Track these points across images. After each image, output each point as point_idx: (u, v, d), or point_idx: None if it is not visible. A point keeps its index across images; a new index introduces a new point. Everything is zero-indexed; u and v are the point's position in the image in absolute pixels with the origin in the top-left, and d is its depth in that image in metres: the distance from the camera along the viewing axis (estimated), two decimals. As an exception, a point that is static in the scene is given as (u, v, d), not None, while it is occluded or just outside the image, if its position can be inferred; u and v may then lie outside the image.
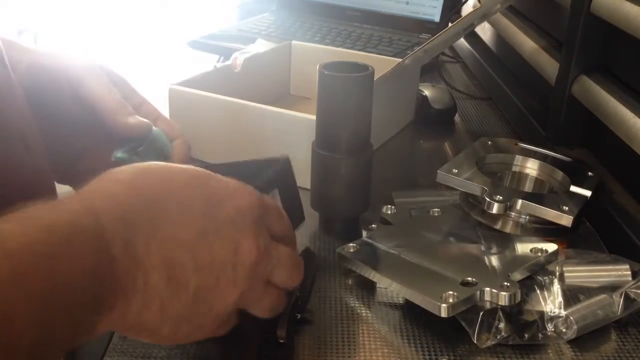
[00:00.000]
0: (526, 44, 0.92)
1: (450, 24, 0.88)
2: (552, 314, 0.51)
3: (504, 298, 0.49)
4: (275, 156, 0.57)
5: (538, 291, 0.53)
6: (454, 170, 0.64)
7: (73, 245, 0.32)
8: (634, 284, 0.52)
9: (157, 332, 0.38)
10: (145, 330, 0.38)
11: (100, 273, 0.33)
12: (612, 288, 0.53)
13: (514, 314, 0.50)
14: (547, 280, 0.53)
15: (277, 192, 0.56)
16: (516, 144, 0.73)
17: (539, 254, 0.55)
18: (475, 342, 0.49)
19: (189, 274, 0.37)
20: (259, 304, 0.43)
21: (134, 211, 0.36)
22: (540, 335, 0.50)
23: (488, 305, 0.50)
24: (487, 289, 0.50)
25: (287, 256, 0.43)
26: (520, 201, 0.59)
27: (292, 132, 0.71)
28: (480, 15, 0.88)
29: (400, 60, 0.83)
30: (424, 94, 0.94)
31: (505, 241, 0.58)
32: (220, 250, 0.38)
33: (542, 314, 0.51)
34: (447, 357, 0.49)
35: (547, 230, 0.60)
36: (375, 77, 0.61)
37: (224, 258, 0.38)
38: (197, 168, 0.41)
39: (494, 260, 0.56)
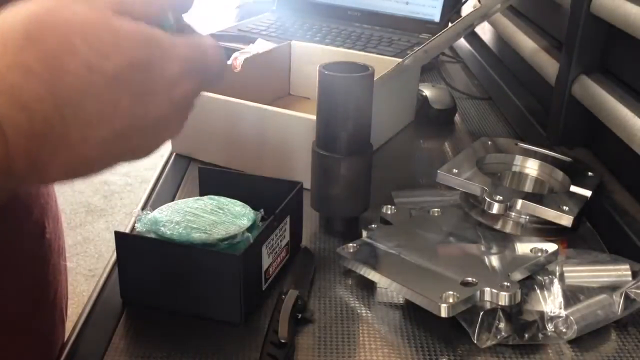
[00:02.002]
0: (526, 44, 0.92)
1: (450, 24, 0.88)
2: (552, 314, 0.51)
3: (504, 298, 0.49)
4: (291, 179, 0.59)
5: (538, 291, 0.53)
6: (454, 170, 0.64)
7: None
8: (634, 284, 0.52)
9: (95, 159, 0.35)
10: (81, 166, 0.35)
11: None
12: (612, 288, 0.53)
13: (514, 314, 0.50)
14: (547, 280, 0.53)
15: (289, 219, 0.56)
16: (516, 144, 0.73)
17: (539, 254, 0.55)
18: (475, 342, 0.49)
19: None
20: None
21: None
22: (540, 335, 0.50)
23: (488, 305, 0.50)
24: (487, 289, 0.50)
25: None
26: (520, 201, 0.59)
27: (292, 132, 0.71)
28: (480, 15, 0.88)
29: (400, 60, 0.83)
30: (424, 94, 0.94)
31: (505, 241, 0.58)
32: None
33: (542, 314, 0.51)
34: (447, 357, 0.49)
35: (547, 230, 0.60)
36: (375, 77, 0.61)
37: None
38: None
39: (494, 260, 0.56)
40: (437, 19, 1.19)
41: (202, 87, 0.38)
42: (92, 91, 0.32)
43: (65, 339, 0.66)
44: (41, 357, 0.64)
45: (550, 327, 0.51)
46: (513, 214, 0.61)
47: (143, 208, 0.62)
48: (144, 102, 0.34)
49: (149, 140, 0.36)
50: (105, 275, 0.58)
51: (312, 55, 0.94)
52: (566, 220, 0.58)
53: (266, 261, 0.54)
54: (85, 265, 2.20)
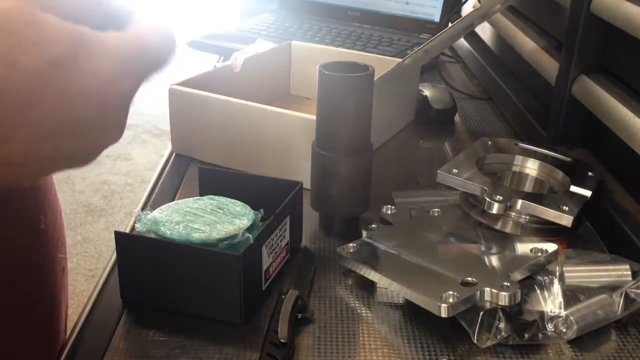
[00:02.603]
0: (526, 44, 0.92)
1: (450, 24, 0.88)
2: (552, 314, 0.51)
3: (504, 298, 0.49)
4: (291, 179, 0.59)
5: (538, 291, 0.53)
6: (454, 170, 0.64)
7: None
8: (634, 284, 0.52)
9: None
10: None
11: None
12: (612, 288, 0.53)
13: (514, 314, 0.50)
14: (547, 280, 0.53)
15: (289, 219, 0.56)
16: (516, 144, 0.73)
17: (539, 254, 0.55)
18: (475, 342, 0.49)
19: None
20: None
21: None
22: (540, 335, 0.50)
23: (488, 305, 0.50)
24: (487, 289, 0.50)
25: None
26: (520, 201, 0.59)
27: (292, 132, 0.71)
28: (480, 15, 0.88)
29: (400, 60, 0.83)
30: (424, 94, 0.94)
31: (505, 241, 0.58)
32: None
33: (542, 314, 0.51)
34: (447, 357, 0.49)
35: (547, 230, 0.60)
36: (375, 77, 0.61)
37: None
38: None
39: (494, 260, 0.56)
40: (437, 19, 1.19)
41: (141, 83, 0.35)
42: (10, 87, 0.30)
43: (66, 333, 0.67)
44: (44, 346, 0.64)
45: (550, 327, 0.51)
46: (513, 214, 0.61)
47: (143, 208, 0.62)
48: (73, 103, 0.32)
49: (85, 145, 0.34)
50: (105, 275, 0.58)
51: (312, 55, 0.94)
52: (566, 220, 0.58)
53: (266, 261, 0.54)
54: (85, 265, 2.20)
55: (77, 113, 0.32)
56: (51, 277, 0.65)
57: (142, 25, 0.35)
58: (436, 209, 0.64)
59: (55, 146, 0.33)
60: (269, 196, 0.57)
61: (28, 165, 0.33)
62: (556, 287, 0.53)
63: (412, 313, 0.53)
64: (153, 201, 0.70)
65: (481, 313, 0.49)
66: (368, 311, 0.54)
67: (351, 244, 0.58)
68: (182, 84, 0.78)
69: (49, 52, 0.30)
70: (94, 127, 0.34)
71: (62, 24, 0.31)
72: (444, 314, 0.48)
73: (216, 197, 0.58)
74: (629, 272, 0.54)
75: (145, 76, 0.36)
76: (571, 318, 0.50)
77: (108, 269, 0.58)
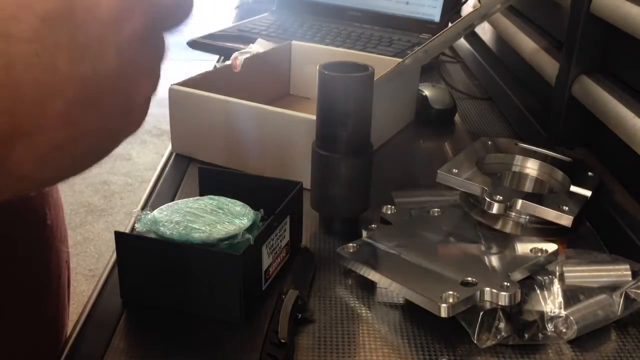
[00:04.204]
0: (526, 44, 0.92)
1: (450, 24, 0.88)
2: (552, 314, 0.51)
3: (504, 298, 0.49)
4: (291, 179, 0.59)
5: (538, 291, 0.53)
6: (454, 170, 0.64)
7: None
8: (634, 284, 0.52)
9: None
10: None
11: None
12: (612, 288, 0.53)
13: (514, 314, 0.50)
14: (547, 280, 0.53)
15: (289, 219, 0.56)
16: (516, 144, 0.73)
17: (539, 254, 0.55)
18: (475, 342, 0.49)
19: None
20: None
21: None
22: (540, 335, 0.50)
23: (488, 305, 0.50)
24: (487, 289, 0.50)
25: None
26: (520, 201, 0.59)
27: (292, 132, 0.71)
28: (480, 15, 0.88)
29: (400, 60, 0.83)
30: (424, 94, 0.94)
31: (505, 241, 0.58)
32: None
33: (542, 314, 0.51)
34: (447, 357, 0.49)
35: (547, 230, 0.60)
36: (375, 77, 0.61)
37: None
38: None
39: (494, 260, 0.56)
40: (437, 19, 1.19)
41: (155, 22, 0.32)
42: (17, 61, 0.27)
43: (67, 331, 0.67)
44: (49, 341, 0.64)
45: (550, 327, 0.51)
46: (513, 214, 0.61)
47: (143, 208, 0.62)
48: (86, 57, 0.29)
49: (116, 104, 0.31)
50: (105, 275, 0.58)
51: (312, 55, 0.94)
52: (566, 220, 0.58)
53: (266, 261, 0.54)
54: (85, 265, 2.20)
55: (93, 68, 0.30)
56: (57, 272, 0.66)
57: None
58: (436, 209, 0.64)
59: (86, 114, 0.30)
60: (269, 196, 0.57)
61: (66, 139, 0.31)
62: (556, 287, 0.53)
63: (412, 313, 0.53)
64: (153, 201, 0.70)
65: (481, 313, 0.49)
66: (368, 311, 0.54)
67: (351, 244, 0.58)
68: (182, 84, 0.78)
69: (39, 12, 0.28)
70: (119, 81, 0.31)
71: None
72: (444, 314, 0.48)
73: (216, 197, 0.58)
74: (629, 272, 0.54)
75: (157, 14, 0.32)
76: (571, 318, 0.50)
77: (108, 269, 0.58)
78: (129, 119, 0.33)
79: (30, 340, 0.62)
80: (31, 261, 0.62)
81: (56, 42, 0.28)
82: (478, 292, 0.50)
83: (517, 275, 0.53)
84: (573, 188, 0.63)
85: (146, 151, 2.95)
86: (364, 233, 0.61)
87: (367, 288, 0.56)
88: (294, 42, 0.98)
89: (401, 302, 0.55)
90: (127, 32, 0.30)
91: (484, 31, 1.24)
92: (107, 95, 0.31)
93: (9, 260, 0.58)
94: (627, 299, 0.52)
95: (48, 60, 0.28)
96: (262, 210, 0.56)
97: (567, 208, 0.58)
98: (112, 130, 0.33)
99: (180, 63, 1.13)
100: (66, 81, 0.29)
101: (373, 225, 0.62)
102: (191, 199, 0.58)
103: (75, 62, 0.29)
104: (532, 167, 0.70)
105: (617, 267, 0.54)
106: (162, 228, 0.53)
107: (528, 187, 0.70)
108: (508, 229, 0.61)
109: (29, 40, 0.28)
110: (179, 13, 0.34)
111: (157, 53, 0.33)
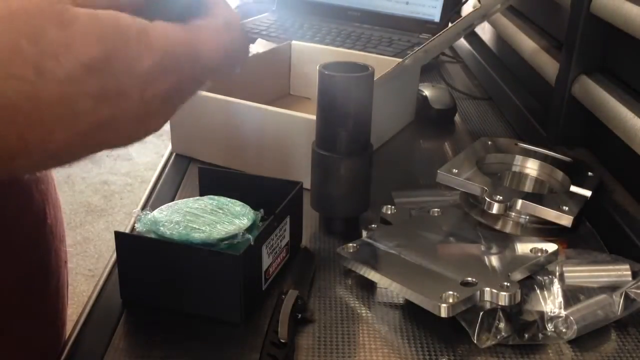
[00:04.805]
0: (526, 44, 0.92)
1: (450, 24, 0.88)
2: (552, 314, 0.51)
3: (504, 298, 0.49)
4: (291, 179, 0.59)
5: (538, 291, 0.53)
6: (454, 170, 0.64)
7: None
8: (634, 284, 0.52)
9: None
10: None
11: None
12: (612, 288, 0.53)
13: (514, 314, 0.50)
14: (547, 280, 0.53)
15: (289, 219, 0.56)
16: (516, 144, 0.73)
17: (539, 254, 0.55)
18: (475, 342, 0.49)
19: None
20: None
21: None
22: (540, 335, 0.50)
23: (488, 305, 0.50)
24: (487, 289, 0.50)
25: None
26: (520, 201, 0.59)
27: (292, 132, 0.71)
28: (480, 15, 0.88)
29: (400, 60, 0.83)
30: (424, 94, 0.94)
31: (505, 241, 0.58)
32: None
33: (542, 314, 0.51)
34: (447, 357, 0.49)
35: (547, 230, 0.60)
36: (375, 77, 0.61)
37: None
38: None
39: (494, 260, 0.56)
40: (437, 19, 1.19)
41: (189, 84, 0.33)
42: (42, 95, 0.28)
43: (66, 332, 0.67)
44: (49, 341, 0.64)
45: (550, 327, 0.51)
46: (513, 214, 0.61)
47: (143, 208, 0.62)
48: (109, 102, 0.30)
49: (124, 137, 0.33)
50: (105, 275, 0.58)
51: (312, 55, 0.94)
52: (566, 220, 0.58)
53: (266, 261, 0.54)
54: (85, 265, 2.20)
55: (113, 113, 0.31)
56: (56, 271, 0.66)
57: (208, 20, 0.33)
58: (436, 209, 0.64)
59: (95, 138, 0.32)
60: (269, 196, 0.57)
61: (68, 155, 0.32)
62: (556, 287, 0.53)
63: (412, 313, 0.53)
64: (153, 201, 0.70)
65: (481, 313, 0.49)
66: (368, 311, 0.54)
67: (351, 244, 0.58)
68: (182, 84, 0.78)
69: (79, 57, 0.29)
70: (132, 123, 0.32)
71: (94, 19, 0.29)
72: (444, 314, 0.48)
73: (216, 197, 0.58)
74: (629, 272, 0.54)
75: (193, 78, 0.33)
76: (571, 318, 0.50)
77: (108, 269, 0.58)
78: (126, 144, 0.35)
79: (30, 340, 0.62)
80: (31, 261, 0.62)
81: (85, 85, 0.29)
82: (478, 292, 0.50)
83: (517, 275, 0.53)
84: (573, 188, 0.63)
85: (146, 151, 2.95)
86: (364, 233, 0.61)
87: (367, 288, 0.56)
88: (294, 42, 0.98)
89: (401, 302, 0.55)
90: (155, 89, 0.32)
91: (484, 31, 1.24)
92: (114, 133, 0.33)
93: (9, 260, 0.58)
94: (627, 299, 0.52)
95: (72, 101, 0.29)
96: (262, 210, 0.56)
97: (567, 208, 0.58)
98: (104, 149, 0.34)
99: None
100: (81, 120, 0.30)
101: (373, 225, 0.62)
102: (191, 199, 0.58)
103: (96, 108, 0.30)
104: (532, 167, 0.70)
105: (617, 267, 0.54)
106: (162, 228, 0.53)
107: (528, 187, 0.70)
108: (508, 229, 0.61)
109: (60, 82, 0.29)
110: (229, 68, 0.36)
111: (173, 110, 0.35)
